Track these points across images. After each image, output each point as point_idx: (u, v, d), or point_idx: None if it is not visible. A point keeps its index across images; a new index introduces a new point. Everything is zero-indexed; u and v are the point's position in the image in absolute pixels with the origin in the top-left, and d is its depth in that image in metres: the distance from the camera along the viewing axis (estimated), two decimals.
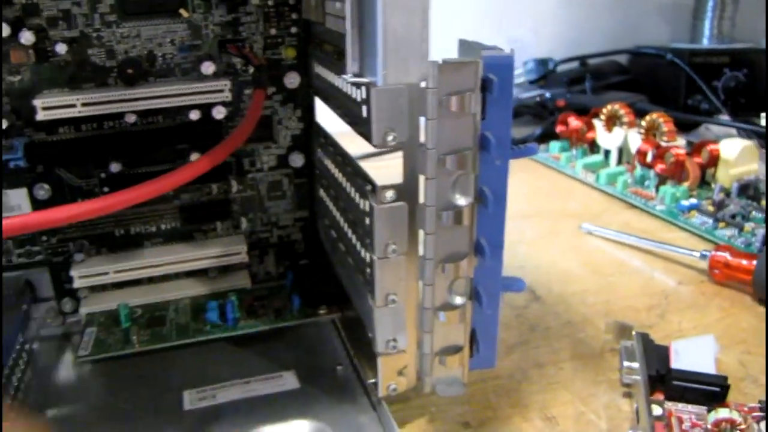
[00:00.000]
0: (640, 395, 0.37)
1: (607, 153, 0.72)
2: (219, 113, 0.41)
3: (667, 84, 0.82)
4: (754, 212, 0.59)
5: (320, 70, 0.39)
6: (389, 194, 0.31)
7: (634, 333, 0.41)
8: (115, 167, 0.42)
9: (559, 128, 0.75)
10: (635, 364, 0.39)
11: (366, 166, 0.35)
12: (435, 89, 0.28)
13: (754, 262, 0.48)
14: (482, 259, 0.33)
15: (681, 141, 0.66)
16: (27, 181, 0.42)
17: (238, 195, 0.44)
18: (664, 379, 0.38)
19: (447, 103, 0.28)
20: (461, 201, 0.31)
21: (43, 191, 0.42)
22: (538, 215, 0.63)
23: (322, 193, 0.42)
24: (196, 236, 0.44)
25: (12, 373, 0.39)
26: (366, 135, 0.30)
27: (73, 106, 0.39)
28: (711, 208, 0.60)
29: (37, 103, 0.38)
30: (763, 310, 0.47)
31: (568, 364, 0.42)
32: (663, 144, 0.65)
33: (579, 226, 0.60)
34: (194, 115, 0.41)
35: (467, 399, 0.38)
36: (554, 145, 0.76)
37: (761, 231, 0.55)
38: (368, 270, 0.33)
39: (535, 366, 0.42)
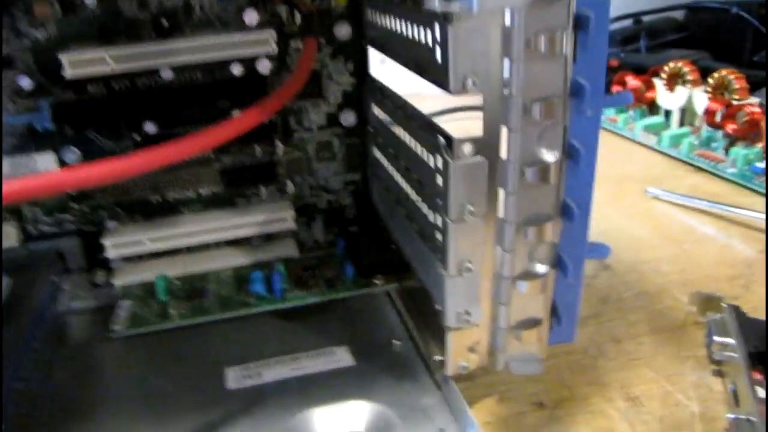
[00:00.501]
0: (738, 374, 0.33)
1: (667, 114, 0.67)
2: (264, 67, 0.38)
3: (731, 40, 0.77)
4: None
5: (377, 16, 0.36)
6: (467, 148, 0.28)
7: (724, 305, 0.37)
8: (150, 127, 0.39)
9: (615, 88, 0.71)
10: (729, 340, 0.35)
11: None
12: (522, 27, 0.25)
13: None
14: (568, 222, 0.30)
15: (753, 100, 0.61)
16: (55, 145, 0.39)
17: (284, 157, 0.41)
18: (763, 357, 0.34)
19: (535, 43, 0.25)
20: (548, 156, 0.28)
21: (72, 155, 0.39)
22: (599, 179, 0.59)
23: (376, 152, 0.39)
24: (238, 202, 0.41)
25: (44, 347, 0.37)
26: (440, 80, 0.27)
27: (103, 61, 0.36)
28: None
29: (64, 58, 0.35)
30: None
31: (648, 338, 0.39)
32: (734, 102, 0.60)
33: (644, 191, 0.56)
34: (236, 69, 0.38)
35: (540, 377, 0.35)
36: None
37: None
38: (439, 235, 0.30)
39: (611, 340, 0.38)
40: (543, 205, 0.29)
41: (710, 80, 0.63)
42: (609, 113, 0.72)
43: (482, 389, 0.35)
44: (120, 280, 0.42)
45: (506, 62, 0.25)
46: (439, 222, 0.29)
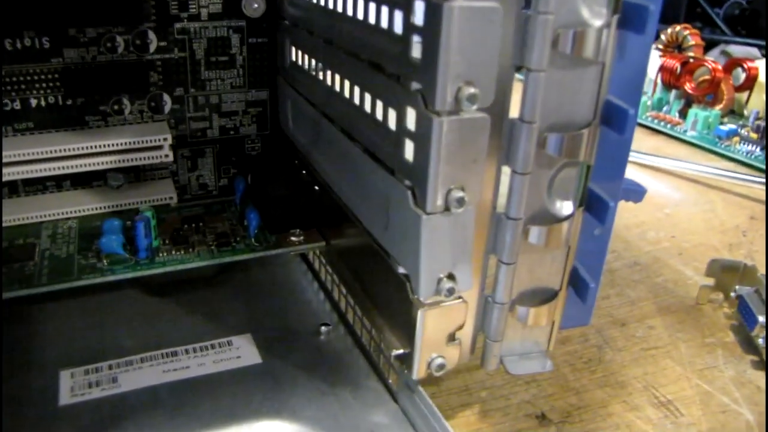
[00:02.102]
0: None
1: None
2: None
3: (665, 8, 0.68)
4: None
5: None
6: None
7: (762, 276, 0.26)
8: None
9: None
10: None
11: None
12: None
13: None
14: (611, 132, 0.17)
15: (710, 57, 0.52)
16: None
17: (160, 56, 0.26)
18: None
19: None
20: (593, 16, 0.15)
21: None
22: None
23: (295, 53, 0.25)
24: (89, 120, 0.26)
25: None
26: None
27: None
28: (753, 135, 0.46)
29: None
30: None
31: (658, 320, 0.27)
32: (692, 60, 0.50)
33: None
34: None
35: (532, 376, 0.23)
36: None
37: None
38: (410, 145, 0.16)
39: (613, 324, 0.27)
40: (581, 96, 0.16)
41: (662, 36, 0.53)
42: None
43: (454, 397, 0.22)
44: None
45: None
46: (411, 122, 0.16)
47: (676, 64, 0.50)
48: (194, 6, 0.26)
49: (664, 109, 0.52)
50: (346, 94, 0.20)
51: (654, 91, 0.53)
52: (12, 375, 0.21)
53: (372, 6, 0.18)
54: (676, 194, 0.40)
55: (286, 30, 0.26)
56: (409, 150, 0.16)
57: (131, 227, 0.23)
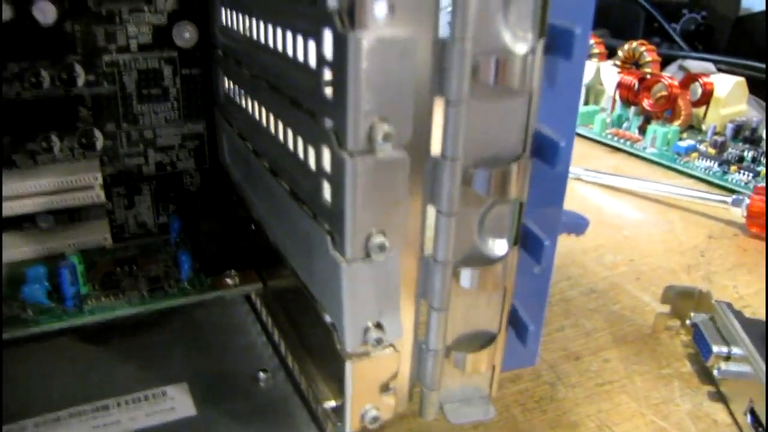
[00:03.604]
0: (758, 397, 0.21)
1: None
2: None
3: (623, 24, 0.68)
4: (761, 156, 0.45)
5: None
6: (381, 9, 0.13)
7: (716, 302, 0.25)
8: None
9: None
10: (735, 350, 0.23)
11: None
12: None
13: None
14: (543, 165, 0.16)
15: (667, 73, 0.52)
16: None
17: (89, 91, 0.25)
18: None
19: None
20: (516, 41, 0.14)
21: None
22: None
23: (228, 84, 0.24)
24: (17, 160, 0.25)
25: None
26: None
27: None
28: (711, 151, 0.46)
29: None
30: None
31: (614, 352, 0.26)
32: (648, 76, 0.50)
33: None
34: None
35: (479, 421, 0.22)
36: None
37: None
38: (328, 187, 0.15)
39: (567, 358, 0.25)
40: (508, 129, 0.15)
41: (620, 53, 0.53)
42: None
43: None
44: None
45: None
46: (327, 163, 0.15)
47: (633, 81, 0.50)
48: (122, 37, 0.24)
49: (624, 125, 0.51)
50: (271, 130, 0.19)
51: (613, 107, 0.52)
52: None
53: (288, 36, 0.17)
54: (636, 215, 0.39)
55: (219, 60, 0.25)
56: (326, 192, 0.15)
57: (56, 273, 0.22)
